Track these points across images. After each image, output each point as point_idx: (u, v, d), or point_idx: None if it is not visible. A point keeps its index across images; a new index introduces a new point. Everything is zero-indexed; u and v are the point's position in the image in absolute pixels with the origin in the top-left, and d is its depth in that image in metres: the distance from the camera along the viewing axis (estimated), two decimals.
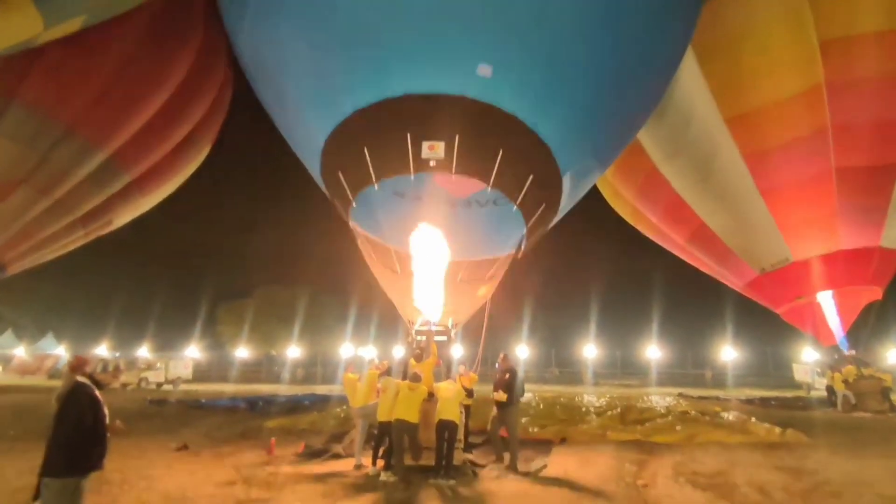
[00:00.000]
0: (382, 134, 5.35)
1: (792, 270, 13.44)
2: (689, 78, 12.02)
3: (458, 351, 8.85)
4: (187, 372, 27.16)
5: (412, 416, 6.02)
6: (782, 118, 12.31)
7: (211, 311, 33.62)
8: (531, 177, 5.79)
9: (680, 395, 22.48)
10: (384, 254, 6.80)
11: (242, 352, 33.07)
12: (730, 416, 12.77)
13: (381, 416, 6.35)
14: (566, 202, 6.98)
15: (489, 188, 5.58)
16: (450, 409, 6.17)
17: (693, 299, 30.24)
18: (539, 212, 6.27)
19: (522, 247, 6.81)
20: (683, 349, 33.12)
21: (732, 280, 14.87)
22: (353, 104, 5.29)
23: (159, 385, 25.26)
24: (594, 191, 16.74)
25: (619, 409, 13.23)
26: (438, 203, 5.75)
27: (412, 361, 6.94)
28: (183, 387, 26.03)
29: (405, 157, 5.26)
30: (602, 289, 33.64)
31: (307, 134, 5.89)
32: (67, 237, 14.34)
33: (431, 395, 6.44)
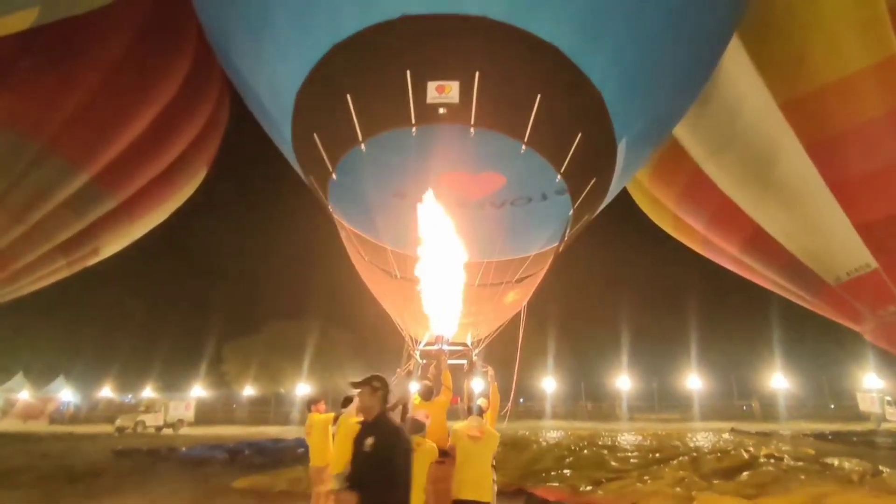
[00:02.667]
0: (371, 73, 3.85)
1: (874, 278, 11.33)
2: (734, 61, 10.43)
3: (478, 385, 6.72)
4: (189, 414, 25.46)
5: (415, 497, 3.75)
6: (849, 98, 10.51)
7: (216, 348, 32.15)
8: (579, 135, 4.20)
9: (732, 430, 19.94)
10: (377, 253, 5.21)
11: (249, 390, 31.31)
12: (841, 462, 10.12)
13: None
14: (616, 182, 5.32)
15: (523, 146, 3.98)
16: (479, 476, 4.06)
17: (736, 322, 27.67)
18: (589, 187, 4.62)
19: (566, 235, 5.12)
20: (727, 378, 30.13)
21: (799, 294, 12.77)
22: (331, 36, 3.83)
23: (158, 429, 23.59)
24: (624, 200, 15.11)
25: (686, 457, 10.72)
26: (449, 165, 4.20)
27: (415, 399, 5.00)
28: (185, 430, 24.33)
29: (403, 104, 3.74)
30: (635, 311, 30.74)
31: (275, 92, 4.44)
32: (47, 267, 13.18)
33: (445, 454, 4.37)
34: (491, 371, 5.51)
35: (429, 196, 4.53)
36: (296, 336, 30.66)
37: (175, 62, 11.41)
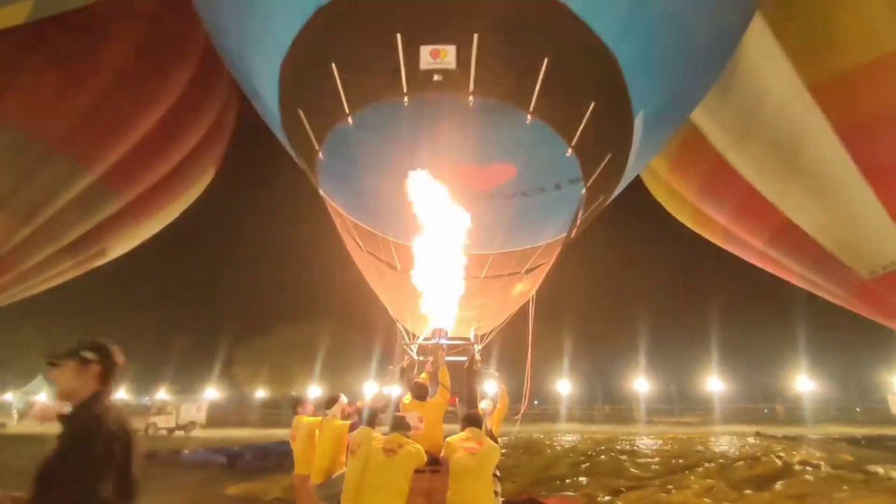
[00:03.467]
0: (357, 39, 3.44)
1: None
2: (758, 41, 9.83)
3: (490, 387, 6.10)
4: (201, 416, 25.42)
5: None
6: (884, 80, 9.83)
7: (229, 350, 32.13)
8: (592, 104, 3.74)
9: (757, 434, 19.08)
10: (375, 242, 4.80)
11: (261, 392, 31.25)
12: (888, 471, 9.30)
13: None
14: (633, 163, 4.83)
15: (528, 115, 3.54)
16: (477, 495, 3.45)
17: (757, 321, 26.60)
18: (603, 164, 4.15)
19: (579, 219, 4.63)
20: (748, 379, 29.04)
21: (830, 289, 12.05)
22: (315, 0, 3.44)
23: (171, 431, 23.59)
24: (640, 192, 14.53)
25: (713, 463, 10.02)
26: (451, 150, 3.77)
27: (406, 399, 4.37)
28: (197, 432, 24.29)
29: (393, 72, 3.32)
30: (652, 310, 29.50)
31: (262, 69, 4.06)
32: (55, 267, 13.14)
33: (437, 464, 3.74)
34: (498, 377, 5.07)
35: (429, 185, 4.12)
36: (308, 338, 30.48)
37: (182, 62, 11.32)
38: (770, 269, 13.43)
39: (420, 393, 4.40)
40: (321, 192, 4.72)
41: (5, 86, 9.31)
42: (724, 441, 16.33)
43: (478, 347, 5.08)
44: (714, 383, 28.26)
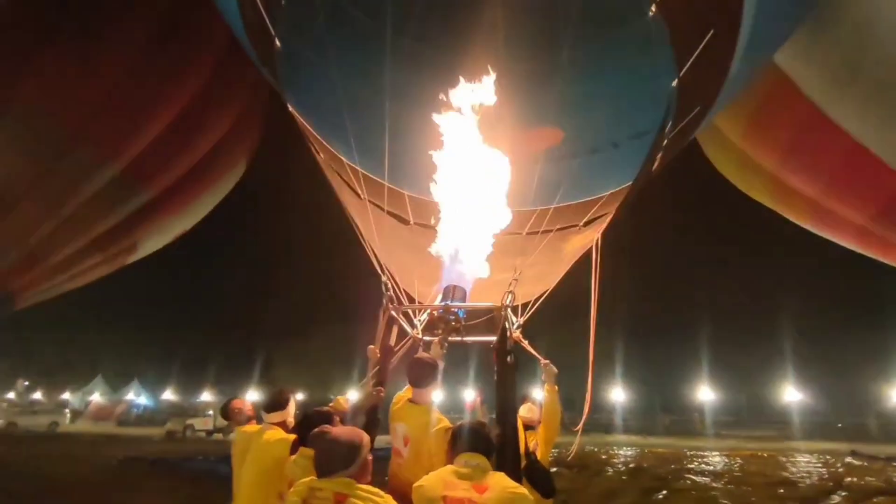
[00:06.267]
0: None
1: None
2: None
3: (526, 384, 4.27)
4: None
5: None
6: None
7: (269, 351, 32.10)
8: None
9: (854, 453, 16.34)
10: (378, 190, 3.50)
11: (300, 395, 30.98)
12: None
13: None
14: (738, 68, 3.32)
15: None
16: None
17: (842, 320, 23.13)
18: (703, 44, 2.71)
19: (666, 138, 3.17)
20: (833, 389, 25.35)
21: None
22: None
23: (209, 433, 23.47)
24: (702, 168, 12.72)
25: (837, 496, 7.83)
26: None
27: (395, 403, 2.82)
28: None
29: None
30: (717, 310, 26.02)
31: None
32: (84, 262, 12.99)
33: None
34: (552, 369, 3.27)
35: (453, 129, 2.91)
36: (347, 340, 29.87)
37: (205, 50, 10.94)
38: (872, 252, 11.23)
39: (420, 374, 2.73)
40: (290, 108, 3.49)
41: (25, 74, 8.73)
42: (815, 461, 13.94)
43: (516, 321, 3.39)
44: (791, 393, 25.03)
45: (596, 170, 3.89)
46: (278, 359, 32.15)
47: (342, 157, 3.40)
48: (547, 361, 3.30)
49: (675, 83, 2.87)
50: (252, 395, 32.06)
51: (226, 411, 3.48)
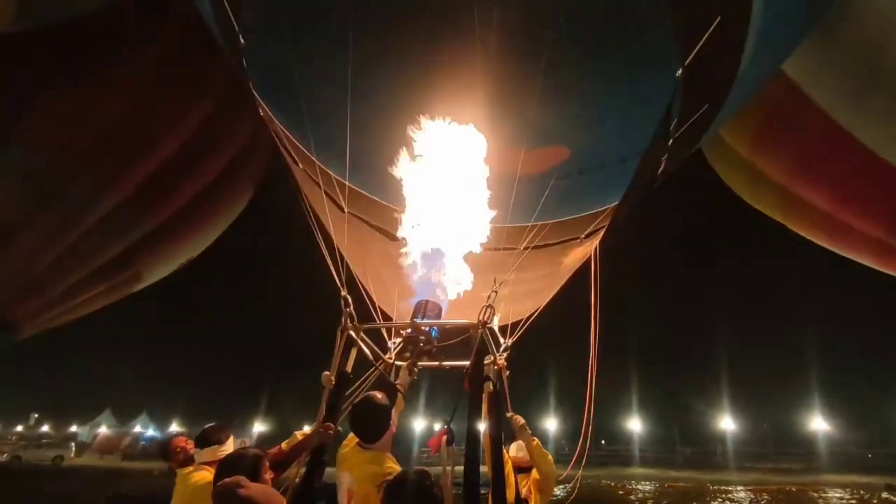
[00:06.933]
0: None
1: None
2: None
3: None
4: None
5: None
6: None
7: (276, 384, 31.66)
8: None
9: (888, 487, 15.27)
10: (361, 201, 3.23)
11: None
12: None
13: None
14: (746, 67, 3.08)
15: None
16: None
17: (871, 343, 22.10)
18: (710, 32, 2.49)
19: (671, 140, 2.91)
20: (863, 417, 24.05)
21: None
22: None
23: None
24: (712, 184, 12.41)
25: None
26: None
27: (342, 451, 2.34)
28: None
29: None
30: (738, 334, 24.82)
31: None
32: (86, 292, 12.92)
33: None
34: (520, 420, 2.91)
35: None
36: (353, 373, 29.33)
37: (211, 74, 10.98)
38: (890, 269, 10.75)
39: (365, 428, 2.27)
40: (261, 113, 3.32)
41: (27, 104, 9.16)
42: (849, 497, 13.02)
43: (503, 343, 2.90)
44: (818, 422, 23.78)
45: (583, 187, 3.67)
46: (286, 390, 31.75)
47: (327, 169, 3.21)
48: (511, 413, 2.90)
49: (677, 91, 2.65)
50: (259, 427, 31.47)
51: (165, 450, 2.89)
